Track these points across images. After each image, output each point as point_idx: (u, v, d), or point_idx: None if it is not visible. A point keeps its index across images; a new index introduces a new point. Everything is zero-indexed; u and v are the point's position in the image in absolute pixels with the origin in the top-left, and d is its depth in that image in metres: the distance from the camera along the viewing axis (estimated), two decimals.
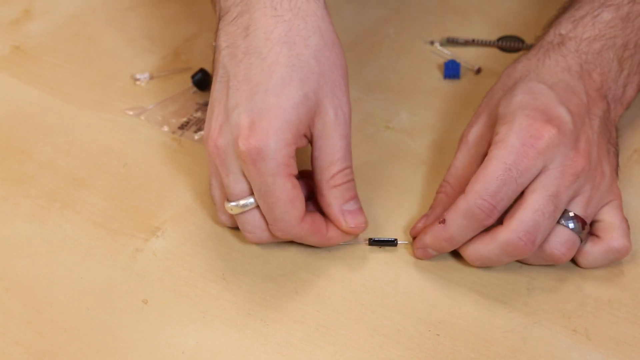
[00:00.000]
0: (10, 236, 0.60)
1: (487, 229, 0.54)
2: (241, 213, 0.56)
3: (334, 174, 0.55)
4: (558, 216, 0.54)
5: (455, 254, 0.58)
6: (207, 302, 0.56)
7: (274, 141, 0.52)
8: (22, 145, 0.67)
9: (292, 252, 0.58)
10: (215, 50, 0.57)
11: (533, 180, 0.54)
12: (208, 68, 0.71)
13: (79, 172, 0.65)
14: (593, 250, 0.56)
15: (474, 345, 0.53)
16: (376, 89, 0.71)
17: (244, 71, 0.54)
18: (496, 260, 0.55)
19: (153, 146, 0.67)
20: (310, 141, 0.55)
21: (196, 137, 0.67)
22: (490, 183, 0.53)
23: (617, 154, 0.59)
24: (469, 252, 0.56)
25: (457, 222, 0.54)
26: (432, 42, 0.76)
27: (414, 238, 0.58)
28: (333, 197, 0.56)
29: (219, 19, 0.58)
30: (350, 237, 0.58)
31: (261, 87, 0.53)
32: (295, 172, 0.54)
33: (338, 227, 0.56)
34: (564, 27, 0.60)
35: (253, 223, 0.56)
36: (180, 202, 0.62)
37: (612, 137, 0.59)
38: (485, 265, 0.57)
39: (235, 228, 0.59)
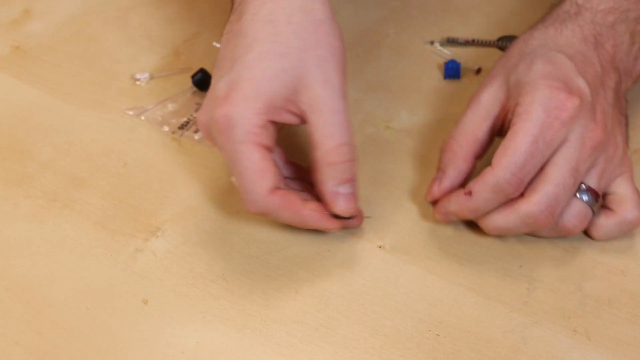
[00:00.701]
0: (10, 236, 0.60)
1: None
2: None
3: (329, 149, 0.54)
4: (576, 188, 0.54)
5: (456, 254, 0.58)
6: (207, 302, 0.56)
7: (243, 109, 0.53)
8: (22, 145, 0.67)
9: (292, 252, 0.58)
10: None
11: (554, 152, 0.54)
12: (208, 68, 0.71)
13: (79, 172, 0.65)
14: (607, 223, 0.57)
15: (474, 345, 0.53)
16: (376, 89, 0.71)
17: (230, 52, 0.55)
18: (514, 231, 0.56)
19: (153, 146, 0.67)
20: (304, 120, 0.55)
21: (196, 137, 0.67)
22: (518, 157, 0.53)
23: (627, 125, 0.59)
24: (487, 222, 0.56)
25: (484, 195, 0.54)
26: (432, 42, 0.76)
27: (433, 203, 0.59)
28: (327, 174, 0.55)
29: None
30: (328, 222, 0.56)
31: (238, 61, 0.54)
32: (267, 143, 0.54)
33: (328, 208, 0.56)
34: None
35: None
36: (180, 202, 0.62)
37: (622, 108, 0.59)
38: (502, 235, 0.57)
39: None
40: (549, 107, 0.53)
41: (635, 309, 0.55)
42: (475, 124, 0.58)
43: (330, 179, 0.55)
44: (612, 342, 0.53)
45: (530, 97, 0.54)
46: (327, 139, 0.54)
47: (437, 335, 0.54)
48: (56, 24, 0.79)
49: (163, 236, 0.60)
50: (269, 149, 0.54)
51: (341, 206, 0.55)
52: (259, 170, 0.53)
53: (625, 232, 0.57)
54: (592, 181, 0.55)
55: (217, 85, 0.55)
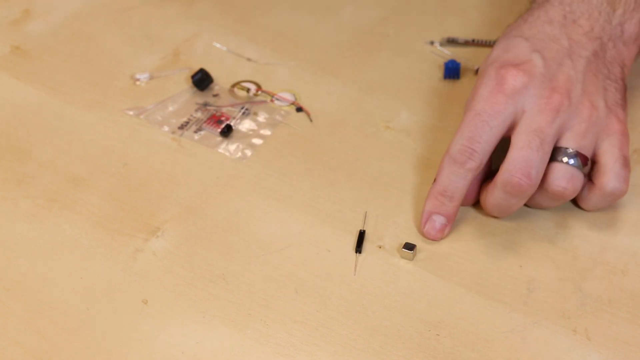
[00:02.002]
0: (10, 236, 0.60)
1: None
2: None
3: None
4: (548, 149, 0.56)
5: (456, 254, 0.58)
6: (207, 302, 0.56)
7: None
8: (22, 145, 0.67)
9: (292, 252, 0.58)
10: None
11: (515, 125, 0.56)
12: (208, 68, 0.71)
13: (79, 172, 0.65)
14: (590, 196, 0.58)
15: (474, 345, 0.53)
16: (376, 89, 0.71)
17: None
18: (507, 204, 0.57)
19: (153, 146, 0.67)
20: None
21: (196, 137, 0.67)
22: (463, 130, 0.56)
23: (621, 89, 0.61)
24: (483, 204, 0.59)
25: (444, 172, 0.57)
26: (432, 42, 0.76)
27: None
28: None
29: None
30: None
31: None
32: None
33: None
34: None
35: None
36: (180, 202, 0.62)
37: (612, 73, 0.60)
38: (504, 213, 0.59)
39: None
40: (491, 84, 0.57)
41: (635, 309, 0.55)
42: None
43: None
44: (612, 342, 0.53)
45: (479, 82, 0.58)
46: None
47: (437, 335, 0.54)
48: (56, 24, 0.79)
49: (163, 236, 0.60)
50: None
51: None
52: None
53: (611, 202, 0.59)
54: (571, 142, 0.57)
55: None
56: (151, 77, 0.73)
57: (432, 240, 0.59)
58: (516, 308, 0.55)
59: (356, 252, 0.58)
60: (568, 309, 0.55)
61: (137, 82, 0.73)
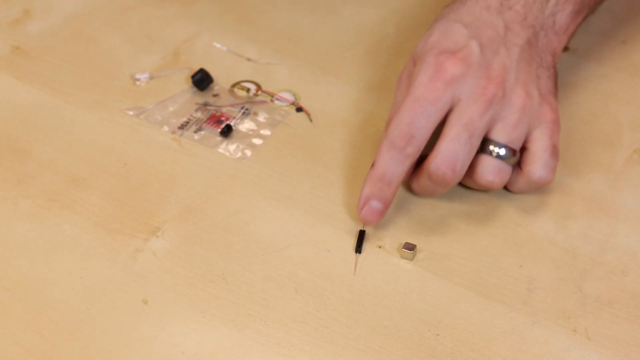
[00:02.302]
0: (10, 236, 0.60)
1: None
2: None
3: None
4: (476, 143, 0.57)
5: (456, 254, 0.58)
6: (207, 302, 0.56)
7: None
8: (22, 145, 0.67)
9: (292, 252, 0.58)
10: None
11: (449, 113, 0.57)
12: (208, 68, 0.71)
13: (79, 172, 0.65)
14: (517, 180, 0.60)
15: (474, 345, 0.53)
16: (376, 89, 0.71)
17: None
18: (433, 190, 0.59)
19: (153, 146, 0.67)
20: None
21: (196, 137, 0.67)
22: (402, 115, 0.56)
23: (553, 77, 0.62)
24: (412, 188, 0.61)
25: (382, 157, 0.57)
26: None
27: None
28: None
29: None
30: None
31: None
32: None
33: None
34: None
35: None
36: (180, 202, 0.62)
37: (544, 61, 0.61)
38: (431, 196, 0.61)
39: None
40: (430, 71, 0.57)
41: (635, 309, 0.55)
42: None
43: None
44: (612, 342, 0.53)
45: (418, 67, 0.58)
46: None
47: (437, 335, 0.54)
48: (56, 24, 0.79)
49: (163, 236, 0.60)
50: None
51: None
52: None
53: (535, 189, 0.60)
54: (501, 134, 0.57)
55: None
56: (151, 77, 0.73)
57: (369, 224, 0.59)
58: (516, 308, 0.55)
59: (356, 252, 0.58)
60: (568, 309, 0.55)
61: (137, 82, 0.73)
